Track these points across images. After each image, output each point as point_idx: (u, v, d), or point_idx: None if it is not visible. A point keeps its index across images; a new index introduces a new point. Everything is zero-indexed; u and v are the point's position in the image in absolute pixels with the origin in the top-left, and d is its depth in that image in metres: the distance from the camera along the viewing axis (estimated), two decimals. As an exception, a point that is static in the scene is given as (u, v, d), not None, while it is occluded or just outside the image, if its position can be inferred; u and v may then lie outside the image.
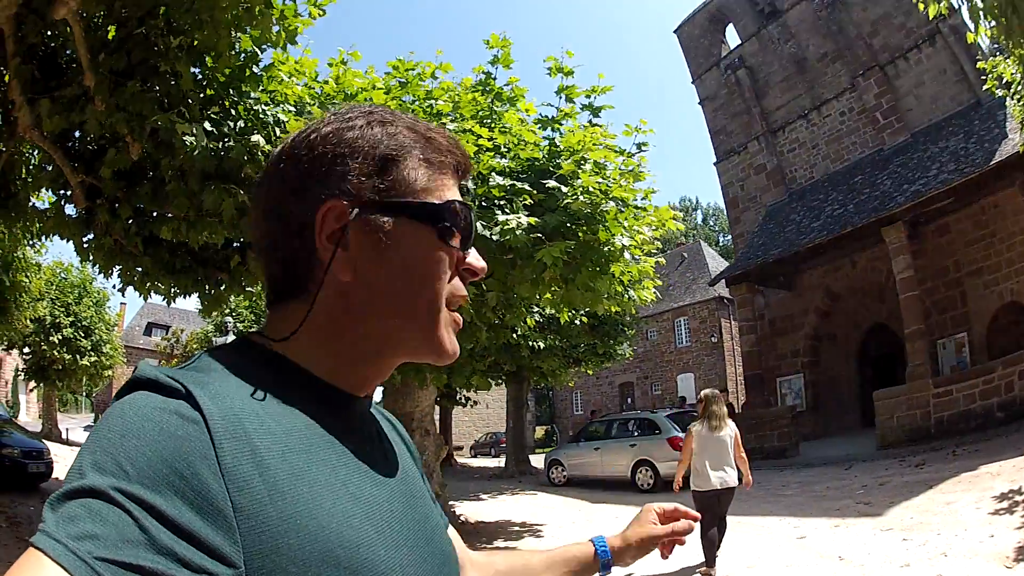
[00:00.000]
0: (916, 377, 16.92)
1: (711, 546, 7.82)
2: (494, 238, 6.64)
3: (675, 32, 30.69)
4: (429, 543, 0.91)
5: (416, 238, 0.88)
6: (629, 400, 43.46)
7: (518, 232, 6.58)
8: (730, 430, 7.99)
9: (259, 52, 6.55)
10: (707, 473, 7.75)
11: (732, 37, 29.06)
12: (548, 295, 8.09)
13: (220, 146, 6.26)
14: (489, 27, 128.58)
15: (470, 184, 6.07)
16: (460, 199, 0.93)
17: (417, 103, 7.67)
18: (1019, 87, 10.88)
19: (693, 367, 39.86)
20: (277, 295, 0.92)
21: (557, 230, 7.09)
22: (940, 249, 19.89)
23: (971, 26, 7.06)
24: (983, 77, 12.15)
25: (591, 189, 7.07)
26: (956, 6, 8.21)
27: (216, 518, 0.65)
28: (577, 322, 14.81)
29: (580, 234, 7.21)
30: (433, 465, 11.11)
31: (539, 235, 6.90)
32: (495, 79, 8.04)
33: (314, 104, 7.24)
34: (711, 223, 79.80)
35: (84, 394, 48.11)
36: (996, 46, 12.62)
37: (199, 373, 0.78)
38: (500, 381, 22.56)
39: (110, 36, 6.00)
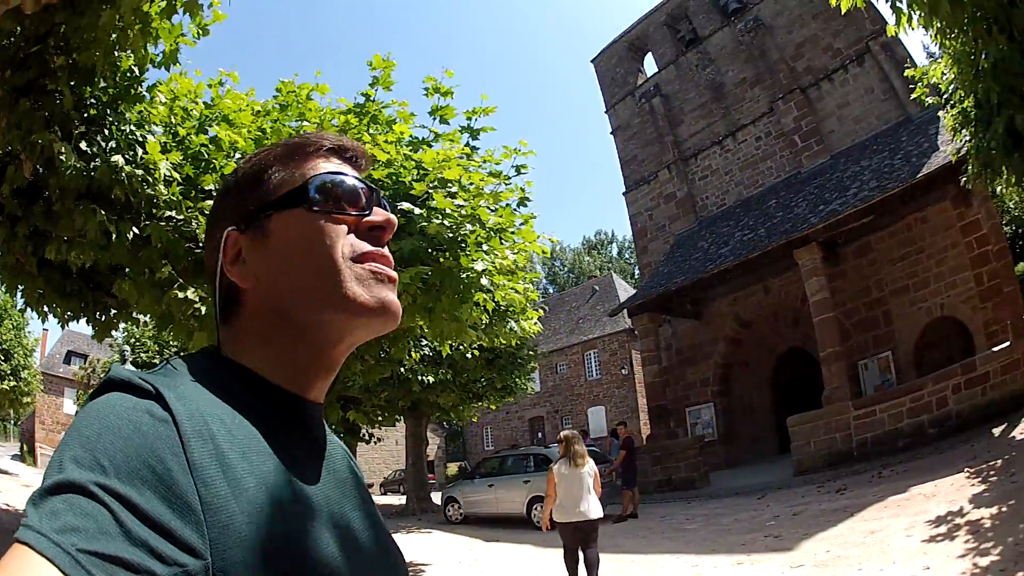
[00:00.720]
0: (834, 400, 16.40)
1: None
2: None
3: (592, 62, 30.56)
4: (378, 545, 0.93)
5: (288, 224, 0.92)
6: (540, 435, 43.41)
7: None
8: (590, 467, 8.61)
9: (139, 73, 6.45)
10: (568, 507, 8.38)
11: (651, 66, 29.03)
12: (412, 323, 7.95)
13: (90, 166, 6.26)
14: (414, 55, 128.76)
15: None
16: (332, 169, 0.97)
17: (289, 126, 7.63)
18: (952, 87, 10.48)
19: (604, 400, 39.91)
20: (223, 314, 0.96)
21: (415, 255, 6.94)
22: (860, 270, 19.72)
23: (892, 20, 6.85)
24: (911, 86, 11.88)
25: (448, 212, 6.88)
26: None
27: (186, 512, 0.67)
28: (469, 355, 15.11)
29: (441, 259, 7.10)
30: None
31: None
32: (374, 101, 7.80)
33: (186, 123, 7.26)
34: (627, 255, 78.43)
35: (12, 422, 47.67)
36: (930, 56, 12.37)
37: (166, 377, 0.81)
38: (397, 418, 22.51)
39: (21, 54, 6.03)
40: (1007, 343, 14.36)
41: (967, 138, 10.84)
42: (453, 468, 47.12)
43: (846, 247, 19.77)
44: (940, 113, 12.39)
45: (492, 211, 7.47)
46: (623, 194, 27.23)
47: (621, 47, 29.59)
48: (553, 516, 8.58)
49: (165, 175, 6.49)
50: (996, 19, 7.11)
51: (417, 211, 6.88)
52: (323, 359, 0.94)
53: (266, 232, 0.92)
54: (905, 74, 12.35)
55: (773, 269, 20.01)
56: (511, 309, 8.92)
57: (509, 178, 8.11)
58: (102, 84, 6.35)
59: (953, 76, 10.20)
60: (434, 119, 7.69)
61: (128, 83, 6.45)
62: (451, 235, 6.93)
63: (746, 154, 23.74)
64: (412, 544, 15.72)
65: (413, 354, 10.63)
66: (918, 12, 6.74)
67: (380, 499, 34.04)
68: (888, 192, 16.39)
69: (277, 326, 0.91)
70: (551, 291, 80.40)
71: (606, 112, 29.11)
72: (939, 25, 7.22)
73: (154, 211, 6.69)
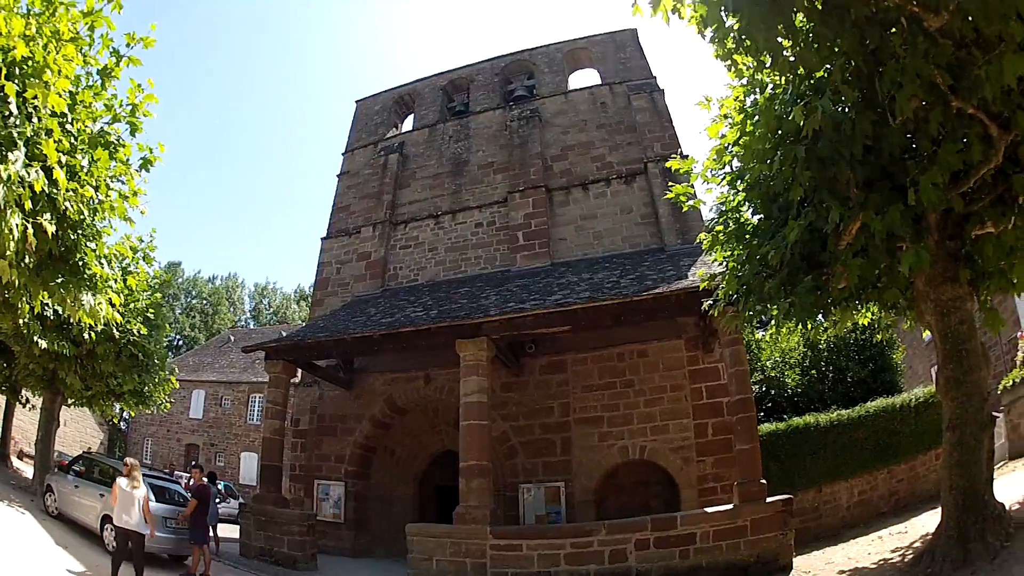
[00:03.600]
0: (468, 520, 13.95)
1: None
2: None
3: (356, 102, 29.23)
4: None
5: None
6: (194, 462, 40.51)
7: None
8: (142, 491, 11.71)
9: None
10: (120, 514, 11.31)
11: (410, 126, 27.99)
12: None
13: None
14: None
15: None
16: None
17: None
18: (728, 188, 10.55)
19: (259, 448, 37.84)
20: None
21: None
22: (546, 387, 18.08)
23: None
24: (677, 197, 11.64)
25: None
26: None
27: None
28: (88, 335, 15.29)
29: None
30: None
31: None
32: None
33: None
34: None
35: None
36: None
37: None
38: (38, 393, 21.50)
39: None
40: (731, 505, 12.57)
41: (730, 256, 10.52)
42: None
43: (536, 358, 18.28)
44: (701, 235, 11.67)
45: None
46: (321, 239, 25.02)
47: (390, 97, 28.52)
48: (112, 520, 11.71)
49: None
50: (856, 67, 6.77)
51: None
52: None
53: None
54: (672, 190, 11.77)
55: (440, 359, 17.77)
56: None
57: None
58: None
59: (740, 164, 9.96)
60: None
61: None
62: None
63: (460, 236, 22.32)
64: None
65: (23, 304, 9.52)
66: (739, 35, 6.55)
67: (20, 464, 29.51)
68: (595, 303, 14.47)
69: None
70: (251, 324, 78.80)
71: (343, 154, 27.32)
72: (766, 56, 6.91)
73: None
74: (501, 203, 22.12)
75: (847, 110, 7.47)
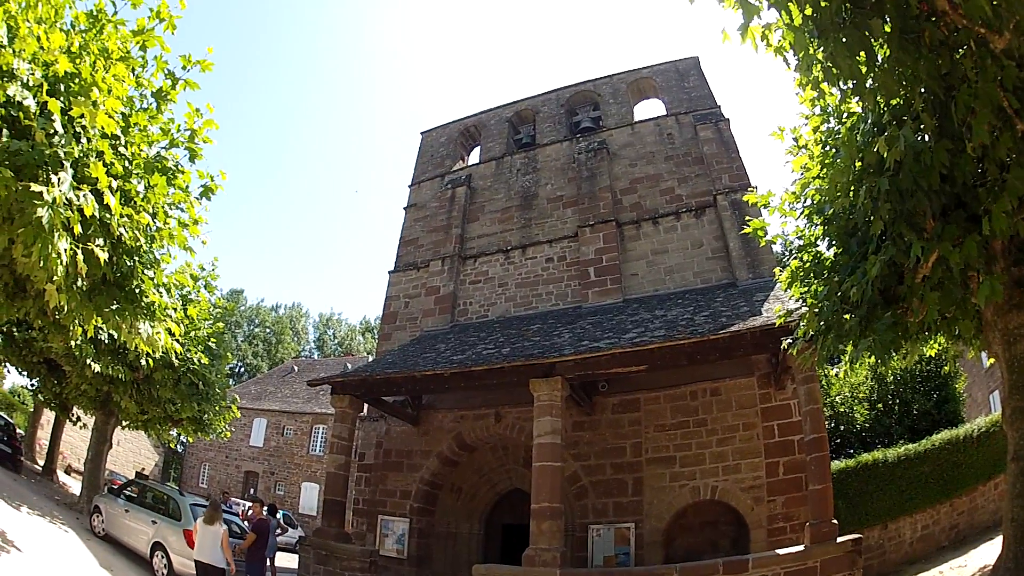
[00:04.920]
0: (537, 563, 13.49)
1: None
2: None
3: (422, 133, 29.32)
4: None
5: None
6: (252, 490, 42.76)
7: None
8: (221, 528, 12.49)
9: None
10: (202, 551, 12.30)
11: (476, 158, 28.00)
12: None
13: None
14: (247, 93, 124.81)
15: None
16: None
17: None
18: (806, 221, 10.19)
19: (321, 479, 38.60)
20: None
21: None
22: (618, 426, 17.53)
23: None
24: (754, 232, 11.11)
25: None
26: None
27: None
28: (146, 361, 14.97)
29: None
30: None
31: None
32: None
33: None
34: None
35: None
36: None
37: None
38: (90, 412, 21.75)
39: None
40: (801, 547, 12.05)
41: (807, 292, 10.12)
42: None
43: (609, 396, 17.73)
44: (776, 269, 11.27)
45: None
46: (388, 272, 24.97)
47: (455, 128, 28.52)
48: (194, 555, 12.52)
49: None
50: (932, 94, 6.51)
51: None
52: None
53: None
54: (748, 225, 11.26)
55: (512, 397, 17.62)
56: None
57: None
58: None
59: (821, 197, 9.56)
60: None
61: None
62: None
63: (530, 272, 22.06)
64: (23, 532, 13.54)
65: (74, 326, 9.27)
66: (825, 62, 6.29)
67: (66, 479, 29.96)
68: (671, 342, 13.96)
69: None
70: (315, 355, 79.33)
71: (410, 186, 27.35)
72: (845, 86, 6.52)
73: None
74: (571, 238, 21.84)
75: (926, 139, 7.20)
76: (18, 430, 25.88)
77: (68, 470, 31.98)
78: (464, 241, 23.88)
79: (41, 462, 27.38)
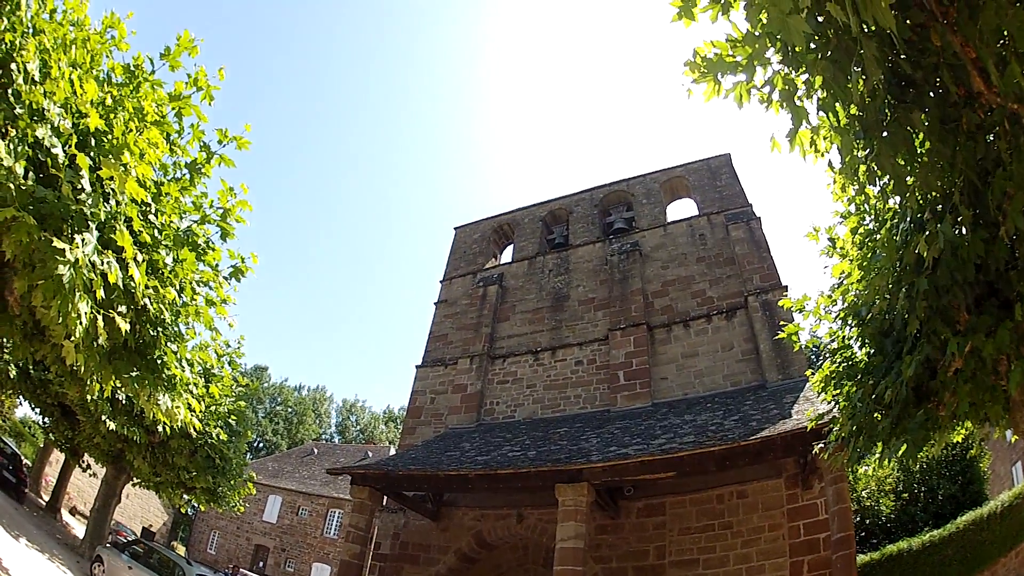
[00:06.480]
0: None
1: None
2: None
3: (455, 229, 29.76)
4: None
5: None
6: (261, 564, 43.35)
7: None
8: None
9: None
10: None
11: (509, 256, 28.12)
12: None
13: None
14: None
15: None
16: None
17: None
18: (840, 323, 9.98)
19: (333, 562, 39.11)
20: None
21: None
22: (642, 529, 17.29)
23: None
24: (788, 337, 11.15)
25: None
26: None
27: None
28: (162, 427, 13.36)
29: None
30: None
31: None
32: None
33: None
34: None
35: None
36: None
37: None
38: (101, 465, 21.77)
39: None
40: None
41: (840, 394, 10.02)
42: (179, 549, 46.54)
43: (634, 500, 17.55)
44: (808, 372, 11.19)
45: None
46: (416, 366, 25.03)
47: (488, 225, 28.86)
48: None
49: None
50: (969, 183, 6.29)
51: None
52: None
53: None
54: (782, 330, 11.24)
55: (535, 499, 17.61)
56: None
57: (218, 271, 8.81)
58: None
59: (857, 300, 9.38)
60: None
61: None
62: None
63: (559, 374, 22.01)
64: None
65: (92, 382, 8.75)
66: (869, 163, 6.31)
67: (70, 520, 29.95)
68: (701, 448, 13.86)
69: None
70: (336, 439, 79.39)
71: (441, 281, 27.65)
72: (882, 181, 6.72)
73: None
74: (602, 340, 21.84)
75: (964, 231, 7.06)
76: (25, 461, 25.82)
77: (73, 511, 31.86)
78: (494, 340, 23.98)
79: (46, 498, 27.28)
